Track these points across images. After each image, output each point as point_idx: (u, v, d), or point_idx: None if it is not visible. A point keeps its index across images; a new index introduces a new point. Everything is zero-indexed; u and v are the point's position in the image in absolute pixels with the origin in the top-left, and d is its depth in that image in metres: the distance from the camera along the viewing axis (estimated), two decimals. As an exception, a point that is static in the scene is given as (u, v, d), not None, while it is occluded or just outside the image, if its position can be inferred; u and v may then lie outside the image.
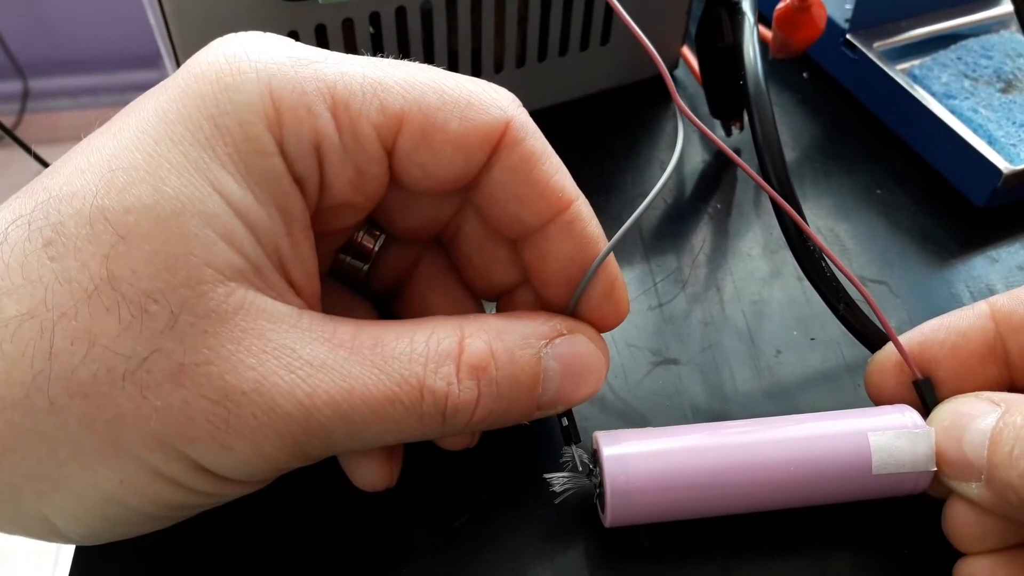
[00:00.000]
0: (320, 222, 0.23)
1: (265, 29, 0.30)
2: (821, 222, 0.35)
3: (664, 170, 0.37)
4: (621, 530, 0.25)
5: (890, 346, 0.25)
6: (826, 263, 0.27)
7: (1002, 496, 0.22)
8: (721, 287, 0.32)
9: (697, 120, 0.27)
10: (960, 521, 0.23)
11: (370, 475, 0.24)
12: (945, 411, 0.24)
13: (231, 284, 0.20)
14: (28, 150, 0.48)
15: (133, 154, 0.19)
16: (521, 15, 0.35)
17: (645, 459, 0.23)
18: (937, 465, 0.23)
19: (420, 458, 0.26)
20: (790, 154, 0.38)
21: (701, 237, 0.34)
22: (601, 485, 0.23)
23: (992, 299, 0.25)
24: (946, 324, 0.25)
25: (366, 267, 0.26)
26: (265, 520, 0.25)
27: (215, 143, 0.20)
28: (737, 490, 0.23)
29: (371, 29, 0.32)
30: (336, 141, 0.21)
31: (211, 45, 0.21)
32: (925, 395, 0.25)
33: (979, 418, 0.22)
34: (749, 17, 0.31)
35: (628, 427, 0.27)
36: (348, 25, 0.31)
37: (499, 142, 0.22)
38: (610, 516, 0.23)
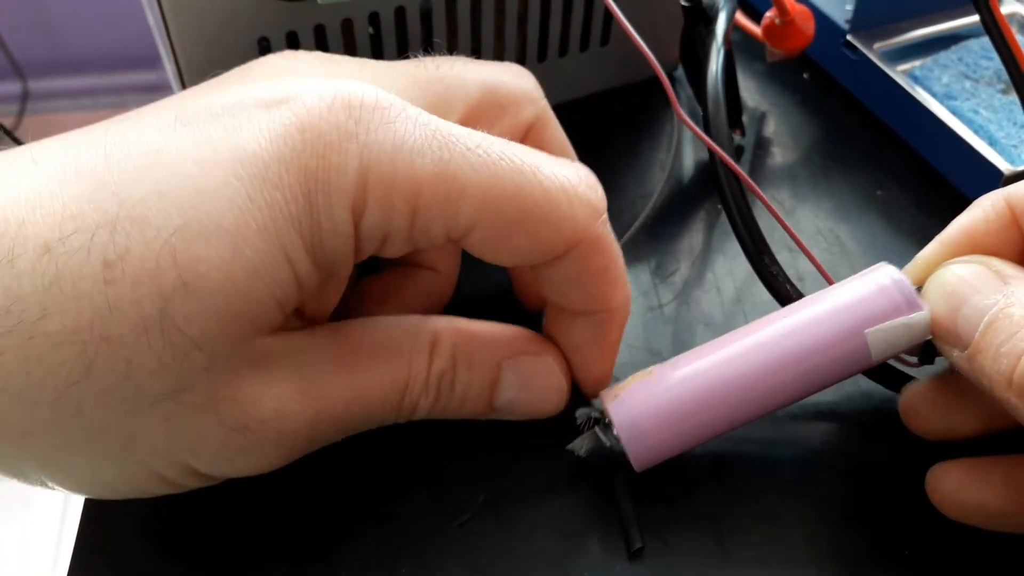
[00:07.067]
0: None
1: (264, 31, 0.30)
2: (821, 223, 0.34)
3: (665, 171, 0.37)
4: (622, 530, 0.25)
5: (929, 248, 0.24)
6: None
7: (976, 377, 0.22)
8: (720, 288, 0.32)
9: (695, 127, 0.28)
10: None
11: None
12: (949, 274, 0.23)
13: (268, 339, 0.21)
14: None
15: (221, 203, 0.19)
16: (521, 16, 0.35)
17: (650, 402, 0.24)
18: (932, 331, 0.23)
19: (421, 457, 0.26)
20: (790, 155, 0.38)
21: (700, 238, 0.34)
22: (617, 439, 0.24)
23: (1002, 190, 0.24)
24: (985, 210, 0.24)
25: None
26: (265, 517, 0.25)
27: (302, 218, 0.20)
28: (745, 397, 0.24)
29: (370, 29, 0.32)
30: (405, 235, 0.22)
31: (333, 102, 0.21)
32: None
33: (981, 295, 0.22)
34: (717, 39, 0.32)
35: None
36: (347, 25, 0.31)
37: (565, 252, 0.23)
38: (635, 462, 0.24)
